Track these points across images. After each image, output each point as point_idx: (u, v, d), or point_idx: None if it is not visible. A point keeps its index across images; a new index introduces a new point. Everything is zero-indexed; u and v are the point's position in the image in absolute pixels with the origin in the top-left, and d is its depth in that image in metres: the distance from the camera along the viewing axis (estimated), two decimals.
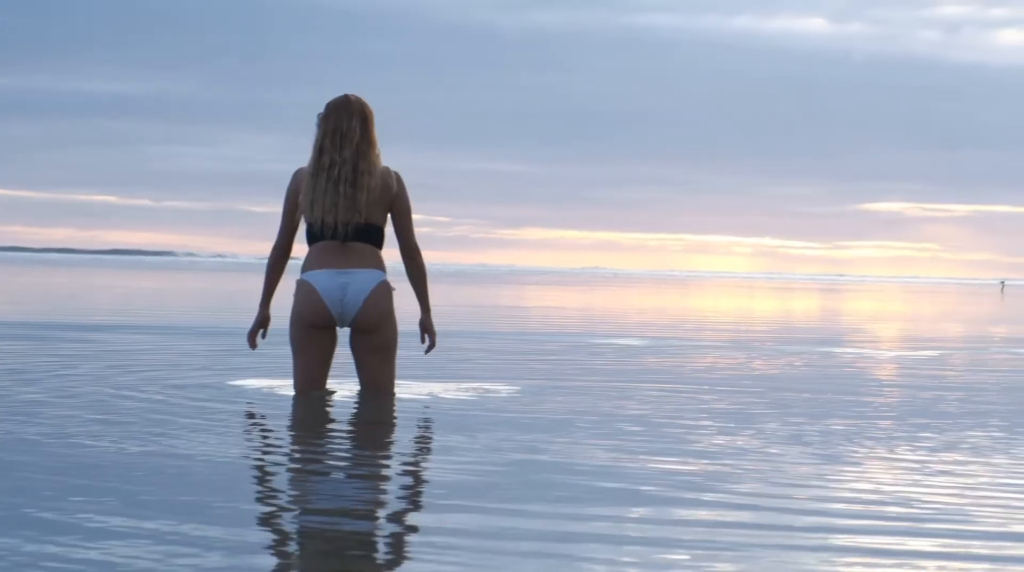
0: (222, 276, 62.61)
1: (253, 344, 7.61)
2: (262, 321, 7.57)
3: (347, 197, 7.28)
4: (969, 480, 5.32)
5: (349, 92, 7.47)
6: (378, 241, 7.42)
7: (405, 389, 7.92)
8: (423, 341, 7.66)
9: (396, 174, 7.46)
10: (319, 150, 7.35)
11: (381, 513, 4.47)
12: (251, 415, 6.98)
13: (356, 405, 7.32)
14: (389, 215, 7.47)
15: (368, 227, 7.35)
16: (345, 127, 7.32)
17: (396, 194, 7.44)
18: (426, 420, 6.93)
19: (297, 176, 7.46)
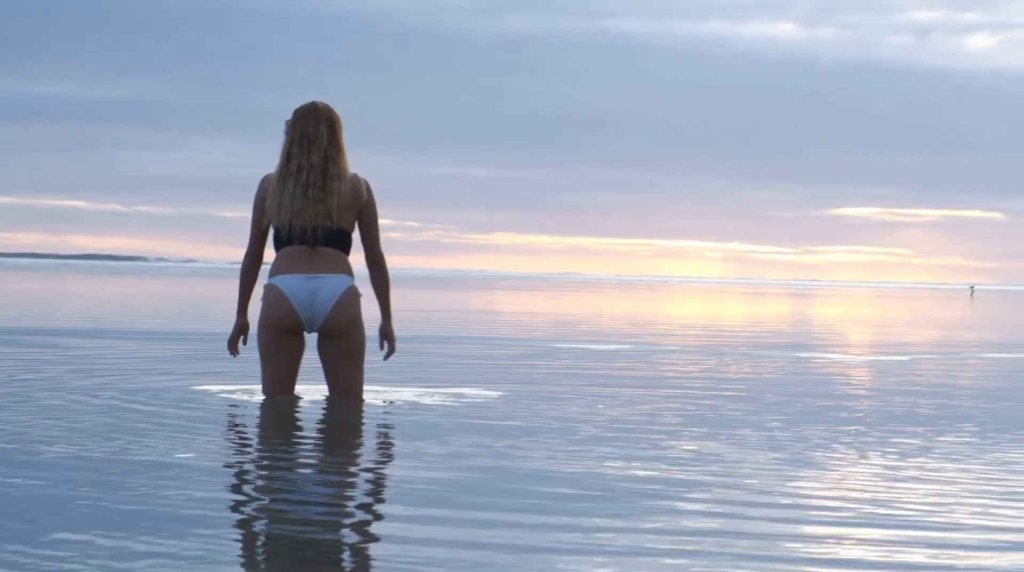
0: (193, 281, 62.38)
1: (235, 351, 7.57)
2: (241, 328, 7.54)
3: (316, 201, 7.22)
4: (943, 486, 5.26)
5: (317, 99, 7.42)
6: (346, 247, 7.36)
7: (375, 394, 7.83)
8: (382, 347, 7.59)
9: (366, 182, 7.40)
10: (287, 155, 7.29)
11: (348, 521, 4.39)
12: (218, 420, 6.88)
13: (325, 410, 7.23)
14: (358, 220, 7.41)
15: (338, 232, 7.29)
16: (312, 133, 7.27)
17: (366, 202, 7.38)
18: (396, 426, 6.85)
19: (264, 182, 7.39)
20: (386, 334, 7.56)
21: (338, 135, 7.33)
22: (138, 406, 7.21)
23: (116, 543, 3.81)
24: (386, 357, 7.62)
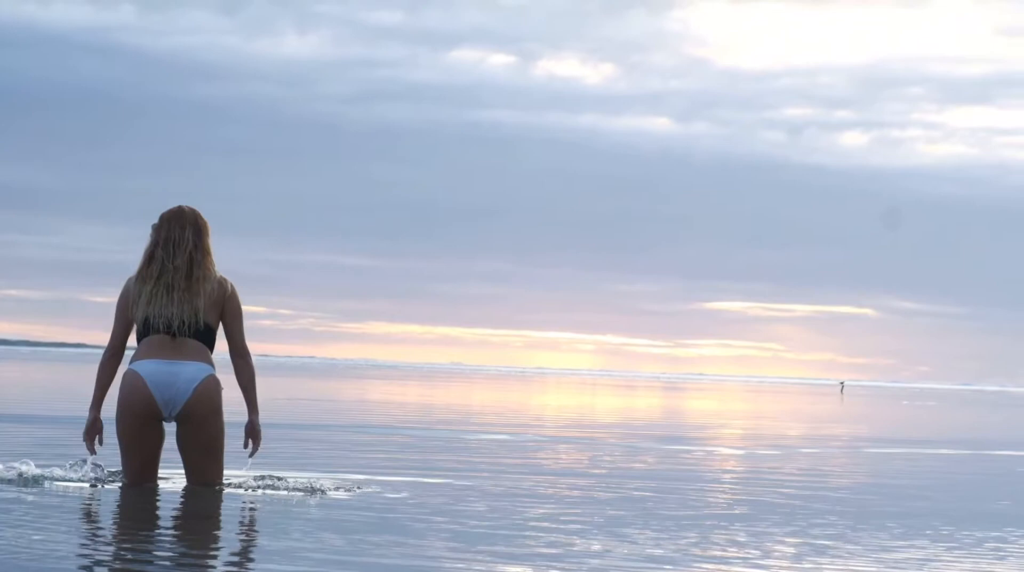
0: (71, 366, 61.29)
1: (91, 449, 7.36)
2: (94, 424, 7.32)
3: (182, 302, 7.14)
4: None
5: (184, 203, 7.36)
6: (210, 343, 7.24)
7: (238, 483, 7.61)
8: (246, 445, 7.42)
9: (231, 284, 7.32)
10: (149, 258, 7.23)
11: None
12: (78, 509, 6.63)
13: (186, 500, 7.00)
14: (221, 319, 7.30)
15: (203, 329, 7.19)
16: (178, 237, 7.22)
17: (229, 296, 7.30)
18: (256, 518, 6.64)
19: (128, 284, 7.29)
20: (252, 429, 7.42)
21: (204, 239, 7.28)
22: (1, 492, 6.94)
23: None
24: (251, 454, 7.45)
